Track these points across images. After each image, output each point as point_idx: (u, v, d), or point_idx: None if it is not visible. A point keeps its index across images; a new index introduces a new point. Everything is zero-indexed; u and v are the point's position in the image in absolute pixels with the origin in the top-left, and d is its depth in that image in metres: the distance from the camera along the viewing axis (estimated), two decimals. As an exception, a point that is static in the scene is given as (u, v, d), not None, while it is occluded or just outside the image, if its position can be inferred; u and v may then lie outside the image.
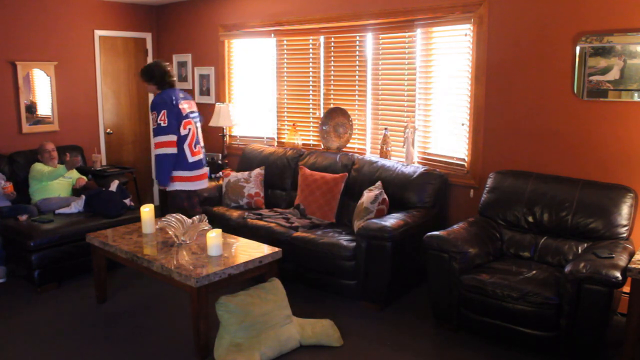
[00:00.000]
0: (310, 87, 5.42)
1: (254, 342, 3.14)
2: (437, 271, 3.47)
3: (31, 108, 5.67)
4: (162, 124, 4.16)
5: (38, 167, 4.98)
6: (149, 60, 6.78)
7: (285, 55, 5.56)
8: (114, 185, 4.90)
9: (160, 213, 5.70)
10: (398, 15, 4.57)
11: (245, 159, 5.53)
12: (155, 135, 4.23)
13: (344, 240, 3.99)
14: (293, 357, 3.24)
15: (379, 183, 4.31)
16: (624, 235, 3.39)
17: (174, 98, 4.25)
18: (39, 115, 5.83)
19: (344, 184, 4.59)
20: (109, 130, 6.46)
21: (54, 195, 4.92)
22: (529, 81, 3.94)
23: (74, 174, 5.24)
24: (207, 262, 3.33)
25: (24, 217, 4.51)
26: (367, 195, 4.15)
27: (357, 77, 5.08)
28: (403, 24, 4.58)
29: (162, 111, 4.17)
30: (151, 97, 4.63)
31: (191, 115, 4.38)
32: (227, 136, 6.03)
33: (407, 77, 4.69)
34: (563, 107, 3.80)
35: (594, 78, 3.62)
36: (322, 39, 5.23)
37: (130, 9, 6.50)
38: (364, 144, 5.12)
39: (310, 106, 5.44)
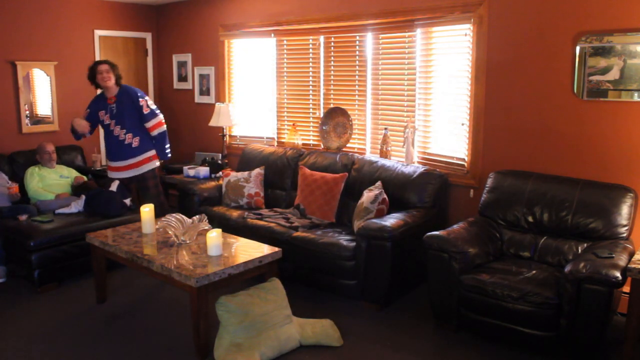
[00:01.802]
0: (310, 87, 5.42)
1: (254, 342, 3.14)
2: (437, 271, 3.47)
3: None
4: (154, 107, 4.79)
5: (27, 176, 4.95)
6: (149, 60, 6.79)
7: (285, 55, 5.56)
8: (114, 185, 4.89)
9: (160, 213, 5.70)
10: (398, 15, 4.57)
11: (245, 159, 5.52)
12: (152, 118, 4.72)
13: (344, 240, 3.99)
14: (293, 357, 3.24)
15: (379, 183, 4.31)
16: (624, 235, 3.39)
17: None
18: (39, 115, 5.83)
19: (344, 183, 4.59)
20: (109, 130, 6.45)
21: (51, 196, 4.90)
22: (529, 81, 3.94)
23: (72, 172, 5.23)
24: (207, 262, 3.33)
25: (24, 217, 4.51)
26: (367, 195, 4.15)
27: (357, 77, 5.08)
28: (403, 24, 4.58)
29: (146, 96, 4.79)
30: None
31: None
32: (227, 136, 6.02)
33: (407, 77, 4.69)
34: (563, 107, 3.80)
35: (594, 78, 3.62)
36: (322, 39, 5.23)
37: (130, 9, 6.51)
38: (364, 144, 5.12)
39: (310, 106, 5.44)
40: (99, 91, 4.94)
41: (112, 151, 4.76)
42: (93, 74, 4.68)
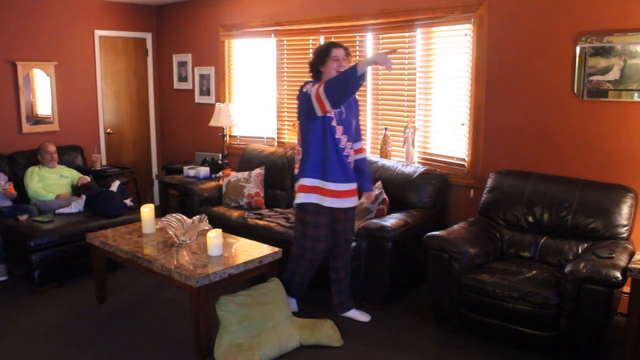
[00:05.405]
0: (310, 87, 5.41)
1: (254, 342, 3.14)
2: (437, 271, 3.47)
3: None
4: None
5: (27, 175, 4.95)
6: (149, 60, 6.79)
7: (286, 55, 5.56)
8: (115, 186, 4.89)
9: (160, 213, 5.70)
10: (398, 15, 4.57)
11: (245, 159, 5.52)
12: (361, 136, 3.68)
13: (344, 240, 3.98)
14: (293, 357, 3.24)
15: (379, 183, 4.30)
16: (624, 235, 3.39)
17: None
18: (39, 115, 5.84)
19: (344, 184, 4.58)
20: (109, 130, 6.47)
21: (51, 196, 4.89)
22: (529, 81, 3.94)
23: (73, 173, 5.23)
24: (207, 262, 3.33)
25: (24, 217, 4.51)
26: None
27: (357, 77, 5.07)
28: (403, 24, 4.58)
29: None
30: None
31: None
32: (227, 136, 6.02)
33: (407, 77, 4.69)
34: (563, 107, 3.80)
35: (594, 78, 3.62)
36: (322, 39, 5.22)
37: (130, 9, 6.50)
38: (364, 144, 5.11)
39: (310, 106, 5.43)
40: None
41: (336, 168, 3.37)
42: (323, 58, 3.44)
